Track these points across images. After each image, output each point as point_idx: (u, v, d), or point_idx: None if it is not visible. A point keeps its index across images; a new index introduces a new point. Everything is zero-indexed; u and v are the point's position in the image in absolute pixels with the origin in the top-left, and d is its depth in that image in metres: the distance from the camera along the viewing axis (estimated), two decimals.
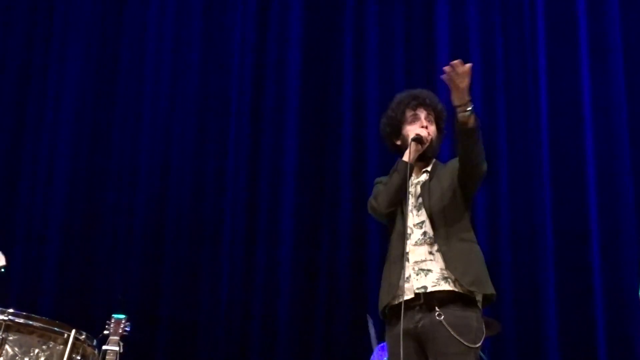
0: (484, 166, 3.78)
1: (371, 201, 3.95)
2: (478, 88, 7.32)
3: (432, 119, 3.96)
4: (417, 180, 3.94)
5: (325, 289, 7.21)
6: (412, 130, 3.91)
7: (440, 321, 3.57)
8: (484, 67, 7.38)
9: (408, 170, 3.81)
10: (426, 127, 3.91)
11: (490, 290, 3.74)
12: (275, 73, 7.83)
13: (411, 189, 3.89)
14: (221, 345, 7.08)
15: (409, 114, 3.96)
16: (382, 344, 5.59)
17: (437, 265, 3.69)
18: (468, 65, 3.61)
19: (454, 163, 3.89)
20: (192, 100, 7.80)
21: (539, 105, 7.12)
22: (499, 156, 6.99)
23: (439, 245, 3.70)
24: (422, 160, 3.95)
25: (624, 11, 7.15)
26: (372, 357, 6.06)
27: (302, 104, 7.69)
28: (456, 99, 3.61)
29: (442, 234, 3.72)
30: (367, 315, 5.95)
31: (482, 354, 5.71)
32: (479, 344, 3.63)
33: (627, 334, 6.43)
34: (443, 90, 7.18)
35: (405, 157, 3.87)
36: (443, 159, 4.12)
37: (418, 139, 3.86)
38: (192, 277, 7.30)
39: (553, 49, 7.22)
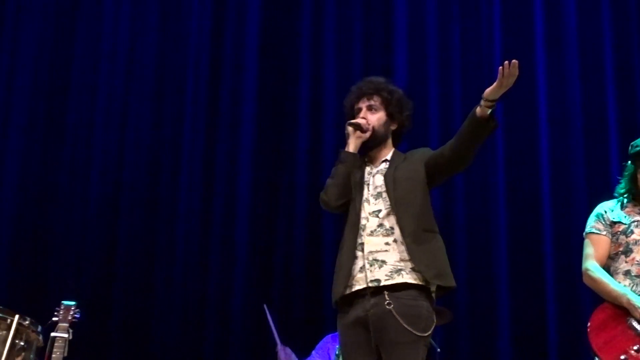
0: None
1: (322, 195, 3.92)
2: (434, 79, 7.36)
3: (378, 106, 3.93)
4: (377, 170, 3.90)
5: (281, 272, 7.23)
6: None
7: (390, 310, 3.57)
8: (440, 58, 7.41)
9: (349, 159, 3.82)
10: (365, 118, 3.90)
11: (452, 283, 3.75)
12: (233, 60, 7.78)
13: (367, 178, 3.88)
14: (175, 330, 7.05)
15: (355, 106, 3.97)
16: (334, 334, 5.60)
17: (392, 256, 3.67)
18: (517, 71, 3.57)
19: (423, 152, 3.89)
20: (149, 83, 7.74)
21: None
22: None
23: (405, 237, 3.66)
24: (370, 148, 3.94)
25: (579, 3, 7.21)
26: (321, 344, 6.09)
27: (260, 89, 7.64)
28: (493, 94, 3.57)
29: (406, 225, 3.69)
30: (264, 305, 5.94)
31: (433, 343, 5.75)
32: (429, 333, 3.65)
33: (577, 326, 6.50)
34: (401, 75, 7.29)
35: (348, 147, 3.87)
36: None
37: (355, 125, 3.85)
38: (146, 263, 7.25)
39: (509, 40, 7.27)
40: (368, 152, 3.95)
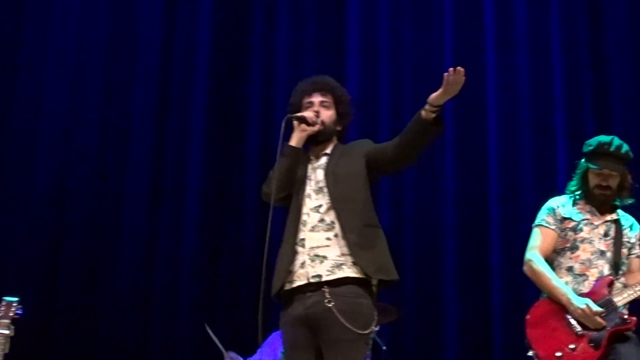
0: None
1: (263, 187, 3.92)
2: (386, 77, 7.38)
3: (330, 104, 3.93)
4: (317, 164, 3.90)
5: (229, 269, 7.21)
6: None
7: (330, 308, 3.56)
8: (392, 60, 7.44)
9: (292, 153, 3.80)
10: (317, 112, 3.89)
11: (394, 276, 3.74)
12: (184, 61, 7.72)
13: (310, 173, 3.87)
14: (120, 327, 6.98)
15: (305, 100, 3.94)
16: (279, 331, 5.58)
17: (332, 251, 3.65)
18: (463, 78, 3.58)
19: (364, 146, 3.89)
20: (97, 82, 7.62)
21: None
22: None
23: (346, 232, 3.65)
24: (317, 143, 3.93)
25: (529, 6, 7.28)
26: (268, 341, 6.07)
27: (211, 90, 7.60)
28: (437, 99, 3.57)
29: (346, 220, 3.67)
30: (205, 324, 5.93)
31: (379, 341, 5.77)
32: (370, 330, 3.65)
33: (522, 325, 6.56)
34: (353, 77, 7.30)
35: (292, 141, 3.85)
36: None
37: (299, 118, 3.84)
38: (92, 259, 7.17)
39: (460, 43, 7.32)
40: (313, 146, 3.94)
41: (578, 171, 4.40)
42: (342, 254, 3.64)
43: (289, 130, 3.87)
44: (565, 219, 4.30)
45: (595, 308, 4.02)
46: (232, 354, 5.86)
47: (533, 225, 4.40)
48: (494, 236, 6.82)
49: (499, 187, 6.93)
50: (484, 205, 6.92)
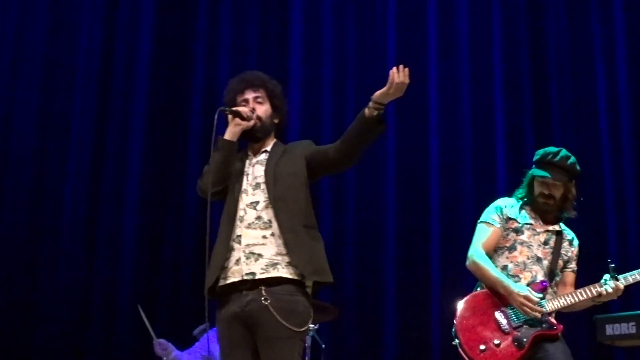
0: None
1: (198, 182, 3.87)
2: (329, 76, 7.41)
3: (264, 98, 3.90)
4: (255, 160, 3.86)
5: (169, 264, 7.18)
6: None
7: (267, 305, 3.53)
8: (336, 55, 7.47)
9: (226, 147, 3.76)
10: (253, 108, 3.86)
11: (330, 278, 3.72)
12: (125, 60, 7.66)
13: (247, 168, 3.83)
14: (58, 324, 6.90)
15: (239, 98, 3.90)
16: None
17: (268, 250, 3.62)
18: (408, 80, 3.61)
19: (305, 147, 3.86)
20: (36, 77, 7.52)
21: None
22: None
23: (283, 232, 3.62)
24: (256, 140, 3.89)
25: (471, 9, 7.38)
26: (203, 338, 6.06)
27: (152, 88, 7.57)
28: (382, 97, 3.58)
29: (285, 219, 3.64)
30: (138, 305, 5.92)
31: (318, 339, 5.79)
32: (305, 328, 3.64)
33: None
34: (295, 75, 7.32)
35: (226, 135, 3.80)
36: None
37: (234, 112, 3.80)
38: (29, 254, 7.08)
39: (402, 44, 7.38)
40: (252, 143, 3.90)
41: (525, 179, 4.45)
42: (278, 254, 3.62)
43: (223, 124, 3.84)
44: (510, 219, 4.34)
45: (535, 297, 4.09)
46: (162, 341, 5.84)
47: (479, 221, 4.44)
48: (433, 237, 6.88)
49: (439, 191, 7.00)
50: (424, 206, 6.98)
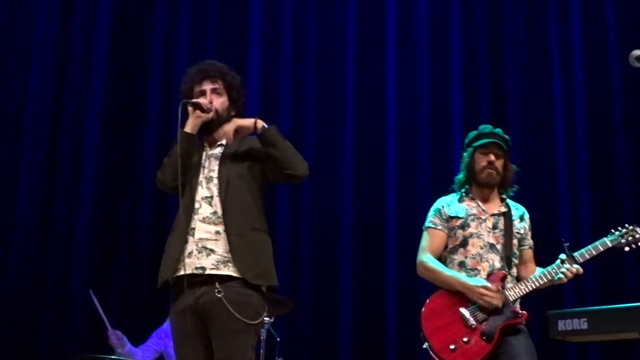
0: (306, 167, 3.76)
1: (157, 174, 3.83)
2: (288, 69, 7.39)
3: (222, 90, 3.87)
4: (211, 152, 3.84)
5: (124, 256, 7.14)
6: None
7: (220, 298, 3.54)
8: (295, 47, 7.46)
9: (186, 139, 3.73)
10: (211, 100, 3.82)
11: (274, 282, 3.70)
12: (82, 50, 7.56)
13: (204, 161, 3.81)
14: (11, 312, 6.82)
15: (196, 89, 3.86)
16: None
17: (221, 247, 3.62)
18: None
19: (260, 149, 3.80)
20: None
21: (345, 95, 7.27)
22: (305, 145, 7.08)
23: (229, 233, 3.61)
24: (212, 132, 3.85)
25: (430, 3, 7.41)
26: (158, 331, 6.03)
27: (109, 78, 7.50)
28: (243, 123, 3.76)
29: (233, 220, 3.64)
30: (90, 290, 5.89)
31: (273, 332, 5.79)
32: (259, 321, 3.64)
33: (414, 318, 6.68)
34: (254, 69, 7.29)
35: (186, 127, 3.77)
36: None
37: (194, 104, 3.76)
38: None
39: (361, 33, 7.40)
40: (208, 135, 3.87)
41: (464, 161, 4.47)
42: (228, 251, 3.61)
43: (185, 116, 3.81)
44: (451, 217, 4.36)
45: (493, 286, 4.10)
46: (117, 332, 5.80)
47: (423, 227, 4.46)
48: (389, 233, 6.90)
49: (396, 185, 7.02)
50: (380, 203, 7.00)
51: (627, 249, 4.29)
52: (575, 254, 4.18)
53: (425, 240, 4.39)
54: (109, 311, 6.02)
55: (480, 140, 4.41)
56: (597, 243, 4.25)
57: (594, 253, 4.23)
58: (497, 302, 4.09)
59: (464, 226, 4.32)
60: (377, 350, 6.66)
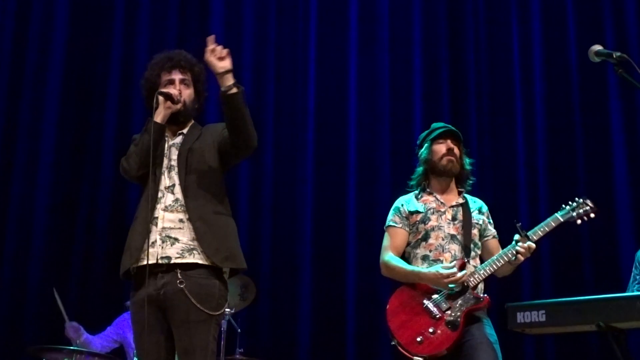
0: (256, 139, 3.71)
1: (122, 162, 3.79)
2: (248, 60, 7.37)
3: (189, 82, 3.85)
4: (172, 142, 3.82)
5: (81, 246, 7.09)
6: None
7: (182, 289, 3.52)
8: (256, 44, 7.44)
9: (157, 130, 3.68)
10: (180, 91, 3.80)
11: (242, 265, 3.72)
12: (40, 26, 7.49)
13: (166, 150, 3.79)
14: None
15: (164, 77, 3.83)
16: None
17: (185, 235, 3.61)
18: (224, 50, 3.61)
19: (220, 129, 3.79)
20: None
21: (306, 83, 7.28)
22: (265, 133, 7.08)
23: (192, 220, 3.60)
24: (176, 122, 3.83)
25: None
26: (118, 320, 6.00)
27: (68, 60, 7.42)
28: (221, 83, 3.60)
29: (195, 206, 3.63)
30: (54, 289, 5.87)
31: (234, 323, 5.79)
32: (221, 312, 3.63)
33: (375, 310, 6.72)
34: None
35: (157, 117, 3.72)
36: None
37: (166, 95, 3.73)
38: None
39: (323, 24, 7.42)
40: (171, 125, 3.83)
41: (421, 156, 4.49)
42: (194, 239, 3.60)
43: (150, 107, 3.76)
44: (411, 213, 4.38)
45: (446, 271, 4.12)
46: (74, 324, 5.78)
47: (384, 227, 4.46)
48: (350, 224, 6.93)
49: (357, 177, 7.04)
50: (341, 193, 7.02)
51: (579, 221, 4.31)
52: (529, 233, 4.19)
53: (387, 240, 4.42)
54: (66, 299, 5.99)
55: (435, 132, 4.46)
56: (548, 219, 4.28)
57: (547, 229, 4.25)
58: (453, 280, 4.10)
59: (424, 220, 4.34)
60: (337, 341, 6.68)
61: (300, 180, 7.10)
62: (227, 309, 5.60)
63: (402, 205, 4.44)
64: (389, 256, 4.34)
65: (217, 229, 3.65)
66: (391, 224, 4.42)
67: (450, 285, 4.12)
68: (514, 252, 4.16)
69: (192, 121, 3.92)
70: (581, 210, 4.31)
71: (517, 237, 4.19)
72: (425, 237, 4.32)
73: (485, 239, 4.42)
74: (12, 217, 7.04)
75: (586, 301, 4.14)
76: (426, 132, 4.54)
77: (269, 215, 7.05)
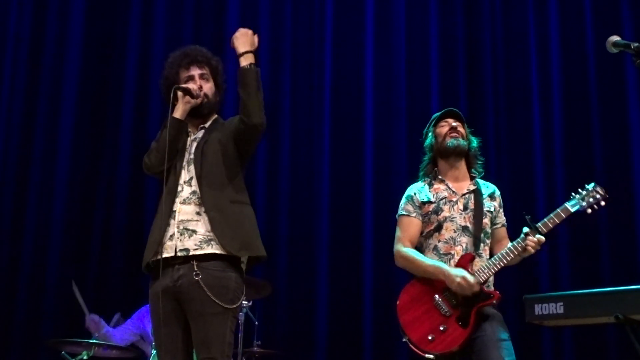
0: (263, 120, 3.74)
1: (145, 159, 3.84)
2: (265, 54, 7.37)
3: (208, 75, 3.91)
4: (194, 137, 3.87)
5: (100, 241, 7.12)
6: None
7: (198, 281, 3.55)
8: (272, 36, 7.44)
9: (174, 125, 3.75)
10: (200, 85, 3.85)
11: (261, 252, 3.74)
12: (56, 28, 7.52)
13: (188, 145, 3.84)
14: None
15: (183, 74, 3.88)
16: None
17: (202, 227, 3.64)
18: (248, 30, 3.82)
19: (234, 119, 3.84)
20: None
21: (323, 75, 7.27)
22: (282, 128, 7.09)
23: (207, 208, 3.64)
24: (198, 117, 3.88)
25: None
26: (137, 314, 6.03)
27: (84, 58, 7.46)
28: (240, 47, 3.80)
29: (210, 196, 3.66)
30: (72, 281, 5.90)
31: (252, 316, 5.80)
32: (237, 305, 3.64)
33: (391, 302, 6.72)
34: (231, 54, 7.26)
35: (176, 113, 3.79)
36: None
37: (185, 90, 3.78)
38: None
39: (340, 17, 7.40)
40: (194, 119, 3.89)
41: (427, 144, 4.42)
42: (210, 230, 3.64)
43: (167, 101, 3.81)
44: (424, 203, 4.27)
45: (471, 277, 4.04)
46: (94, 316, 5.82)
47: (396, 216, 4.36)
48: (367, 216, 6.92)
49: (373, 170, 7.04)
50: (358, 187, 7.01)
51: (589, 211, 4.18)
52: (538, 225, 4.10)
53: (400, 229, 4.31)
54: (84, 292, 6.03)
55: (434, 117, 4.42)
56: (557, 210, 4.15)
57: (557, 221, 4.14)
58: (474, 290, 4.04)
59: (437, 211, 4.24)
60: (354, 332, 6.68)
61: (317, 173, 7.10)
62: (244, 302, 5.63)
63: (415, 193, 4.33)
64: (406, 247, 4.24)
65: (232, 217, 3.67)
66: (404, 212, 4.31)
67: (460, 291, 4.05)
68: (524, 245, 4.09)
69: (216, 115, 3.97)
70: (591, 199, 4.18)
71: (525, 229, 4.11)
72: (438, 228, 4.23)
73: (495, 226, 4.34)
74: (30, 213, 7.08)
75: (604, 293, 4.13)
76: (427, 126, 4.49)
77: (285, 207, 7.06)
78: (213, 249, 3.61)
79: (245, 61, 3.75)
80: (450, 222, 4.22)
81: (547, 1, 7.10)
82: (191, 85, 3.82)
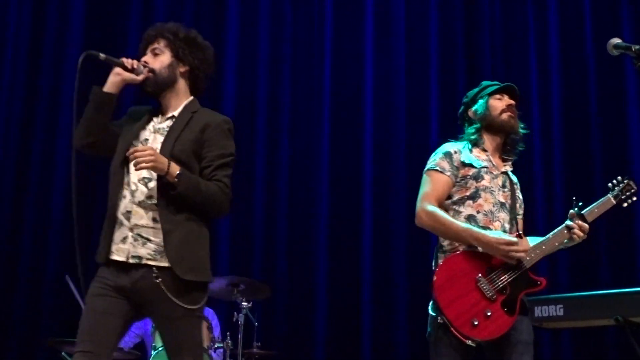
0: (227, 208, 3.47)
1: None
2: (264, 58, 7.37)
3: (161, 49, 3.58)
4: (159, 126, 3.55)
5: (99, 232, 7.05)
6: None
7: (158, 284, 3.31)
8: (272, 32, 7.44)
9: (101, 98, 3.48)
10: (145, 62, 3.55)
11: (207, 278, 3.44)
12: (56, 24, 7.49)
13: (146, 134, 3.54)
14: None
15: (149, 49, 3.62)
16: None
17: (157, 236, 3.36)
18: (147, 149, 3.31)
19: (212, 136, 3.49)
20: None
21: (322, 79, 7.27)
22: (281, 128, 7.09)
23: (162, 219, 3.33)
24: (158, 94, 3.58)
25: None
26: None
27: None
28: (158, 171, 3.32)
29: (168, 210, 3.35)
30: (66, 275, 5.85)
31: (252, 317, 5.80)
32: (200, 305, 3.42)
33: (390, 306, 6.73)
34: (232, 49, 7.26)
35: (106, 86, 3.51)
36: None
37: (118, 63, 3.51)
38: None
39: (340, 17, 7.40)
40: (160, 100, 3.60)
41: (477, 113, 3.94)
42: (163, 245, 3.37)
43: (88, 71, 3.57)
44: (465, 164, 3.80)
45: (510, 238, 3.63)
46: None
47: (425, 169, 3.85)
48: (366, 218, 6.92)
49: (373, 170, 7.04)
50: (357, 187, 7.02)
51: (625, 205, 3.94)
52: (584, 212, 3.81)
53: (427, 186, 3.78)
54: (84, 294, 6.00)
55: (492, 87, 4.00)
56: (602, 199, 3.88)
57: (600, 211, 3.88)
58: (521, 255, 3.65)
59: (477, 177, 3.78)
60: (352, 334, 6.69)
61: (316, 173, 7.10)
62: (244, 303, 5.64)
63: (455, 152, 3.84)
64: (433, 205, 3.71)
65: (187, 237, 3.38)
66: (436, 167, 3.79)
67: (513, 255, 3.63)
68: (570, 225, 3.78)
69: (189, 99, 3.64)
70: (628, 193, 3.94)
71: (572, 211, 3.81)
72: (475, 196, 3.77)
73: (518, 215, 3.97)
74: (30, 213, 7.07)
75: (604, 295, 4.14)
76: (477, 89, 4.03)
77: (285, 208, 7.05)
78: (166, 262, 3.35)
79: (172, 177, 3.28)
80: (489, 194, 3.79)
81: (546, 2, 7.11)
82: (125, 60, 3.52)
